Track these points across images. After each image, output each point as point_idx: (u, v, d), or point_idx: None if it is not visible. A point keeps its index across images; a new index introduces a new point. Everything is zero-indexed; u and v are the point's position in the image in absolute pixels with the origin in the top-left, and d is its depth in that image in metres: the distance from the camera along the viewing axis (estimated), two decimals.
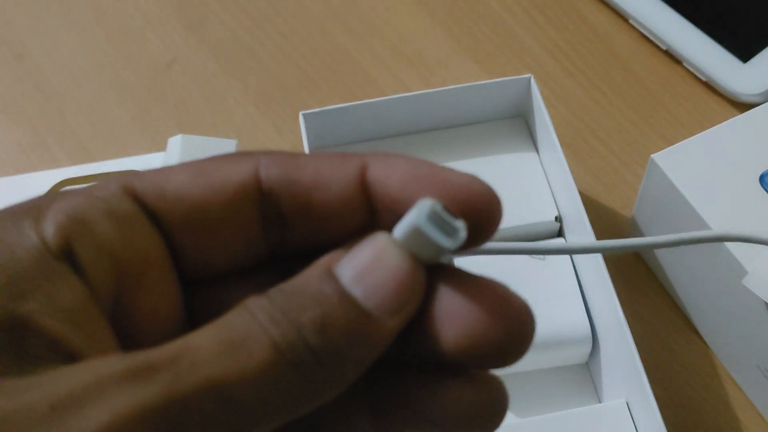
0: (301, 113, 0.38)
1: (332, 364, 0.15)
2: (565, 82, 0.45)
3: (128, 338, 0.16)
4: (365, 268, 0.16)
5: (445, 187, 0.17)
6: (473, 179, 0.17)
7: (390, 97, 0.38)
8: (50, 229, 0.16)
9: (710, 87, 0.44)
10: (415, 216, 0.16)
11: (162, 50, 0.48)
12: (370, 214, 0.17)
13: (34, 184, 0.38)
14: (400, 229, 0.16)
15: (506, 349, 0.16)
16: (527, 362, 0.35)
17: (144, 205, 0.17)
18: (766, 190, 0.33)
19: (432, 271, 0.17)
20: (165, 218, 0.17)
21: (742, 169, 0.34)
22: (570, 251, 0.23)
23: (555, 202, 0.37)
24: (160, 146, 0.42)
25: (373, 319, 0.15)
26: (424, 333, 0.16)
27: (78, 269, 0.16)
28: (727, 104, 0.44)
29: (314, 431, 0.17)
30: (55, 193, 0.17)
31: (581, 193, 0.35)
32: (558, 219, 0.37)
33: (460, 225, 0.16)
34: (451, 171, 0.17)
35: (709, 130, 0.35)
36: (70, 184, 0.38)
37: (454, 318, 0.16)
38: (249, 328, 0.15)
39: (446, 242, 0.16)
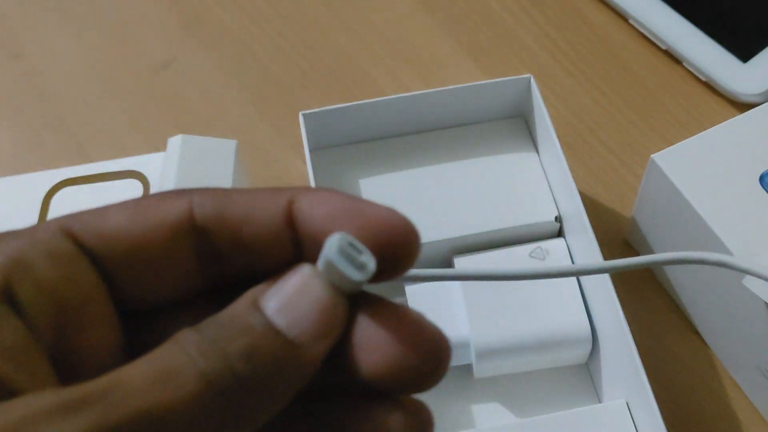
0: (300, 113, 0.38)
1: (259, 391, 0.16)
2: (565, 82, 0.45)
3: (71, 372, 0.17)
4: (289, 298, 0.17)
5: (364, 220, 0.18)
6: (391, 213, 0.18)
7: (390, 97, 0.38)
8: None
9: (710, 87, 0.44)
10: (327, 250, 0.17)
11: (160, 50, 0.48)
12: (299, 246, 0.18)
13: (32, 184, 0.38)
14: (320, 261, 0.17)
15: (421, 376, 0.17)
16: (527, 362, 0.35)
17: (82, 245, 0.18)
18: (766, 190, 0.33)
19: (356, 300, 0.18)
20: (103, 257, 0.18)
21: (742, 169, 0.34)
22: (515, 277, 0.23)
23: (555, 202, 0.37)
24: (159, 146, 0.42)
25: (297, 347, 0.17)
26: (347, 360, 0.18)
27: (18, 309, 0.16)
28: (727, 104, 0.44)
29: None
30: None
31: (581, 193, 0.35)
32: (558, 219, 0.37)
33: (366, 259, 0.17)
34: (371, 205, 0.18)
35: (709, 130, 0.35)
36: (69, 185, 0.38)
37: (371, 346, 0.17)
38: (179, 360, 0.16)
39: (356, 275, 0.17)
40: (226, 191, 0.19)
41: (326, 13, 0.48)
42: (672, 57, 0.45)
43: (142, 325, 0.19)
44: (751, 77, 0.43)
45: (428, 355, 0.17)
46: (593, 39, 0.47)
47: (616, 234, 0.41)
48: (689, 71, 0.45)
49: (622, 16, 0.47)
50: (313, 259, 0.18)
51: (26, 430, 0.14)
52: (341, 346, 0.18)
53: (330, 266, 0.17)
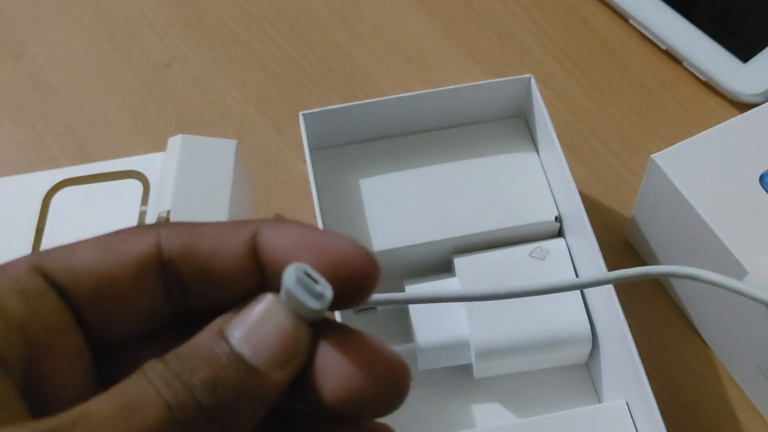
0: (301, 113, 0.38)
1: (222, 420, 0.17)
2: (565, 82, 0.45)
3: (42, 406, 0.18)
4: (253, 327, 0.17)
5: (323, 252, 0.18)
6: (351, 244, 0.18)
7: (390, 97, 0.38)
8: None
9: (710, 87, 0.44)
10: (285, 280, 0.17)
11: (161, 49, 0.48)
12: (263, 276, 0.19)
13: (33, 184, 0.38)
14: (281, 291, 0.18)
15: (380, 401, 0.18)
16: (527, 362, 0.35)
17: (52, 281, 0.18)
18: (766, 190, 0.33)
19: (319, 328, 0.18)
20: (72, 292, 0.18)
21: (742, 169, 0.34)
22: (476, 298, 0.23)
23: (555, 202, 0.37)
24: (160, 146, 0.42)
25: (260, 374, 0.17)
26: (311, 386, 0.18)
27: None
28: (727, 104, 0.44)
29: None
30: None
31: (581, 193, 0.35)
32: (558, 219, 0.37)
33: (322, 289, 0.18)
34: (333, 236, 0.18)
35: (709, 130, 0.35)
36: (69, 185, 0.38)
37: (331, 373, 0.18)
38: (144, 392, 0.16)
39: (314, 304, 0.18)
40: (193, 225, 0.19)
41: (326, 12, 0.48)
42: (672, 57, 0.45)
43: (113, 357, 0.19)
44: (751, 77, 0.43)
45: (386, 382, 0.18)
46: (593, 39, 0.47)
47: (616, 234, 0.41)
48: (689, 71, 0.45)
49: (622, 16, 0.47)
50: (277, 289, 0.18)
51: None
52: (305, 372, 0.18)
53: (289, 295, 0.17)
